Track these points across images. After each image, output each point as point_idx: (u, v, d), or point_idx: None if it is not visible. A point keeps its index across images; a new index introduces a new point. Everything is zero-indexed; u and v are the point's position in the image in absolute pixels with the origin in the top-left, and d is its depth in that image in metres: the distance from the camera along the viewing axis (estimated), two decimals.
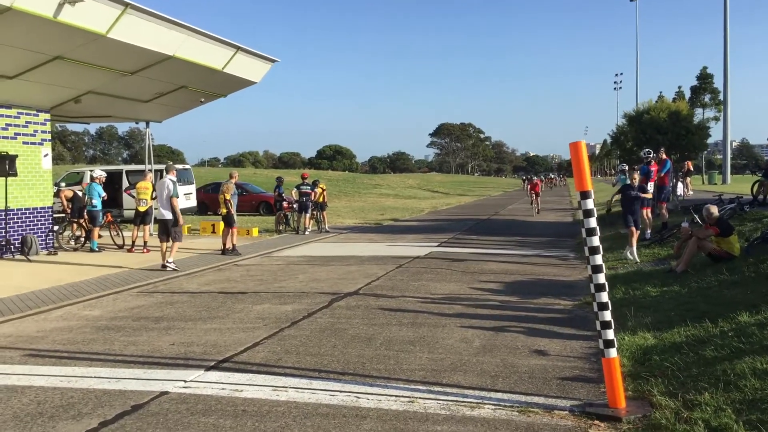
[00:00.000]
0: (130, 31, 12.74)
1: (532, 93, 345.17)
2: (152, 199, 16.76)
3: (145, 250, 15.89)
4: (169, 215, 13.03)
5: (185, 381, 5.83)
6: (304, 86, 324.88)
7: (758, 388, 4.85)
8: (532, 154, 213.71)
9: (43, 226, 15.86)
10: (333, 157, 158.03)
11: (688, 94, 60.67)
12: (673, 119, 26.06)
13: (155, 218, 16.53)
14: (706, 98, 60.59)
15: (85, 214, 16.76)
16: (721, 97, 51.87)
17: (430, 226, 23.93)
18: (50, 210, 16.14)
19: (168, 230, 13.13)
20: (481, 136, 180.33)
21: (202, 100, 18.70)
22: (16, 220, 15.15)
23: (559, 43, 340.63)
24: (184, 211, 25.16)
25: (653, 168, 16.24)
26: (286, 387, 5.62)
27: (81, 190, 18.20)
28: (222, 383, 5.76)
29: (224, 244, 15.59)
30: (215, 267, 13.51)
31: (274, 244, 17.68)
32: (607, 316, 5.01)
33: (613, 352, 4.98)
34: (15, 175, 14.40)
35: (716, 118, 55.91)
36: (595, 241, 5.00)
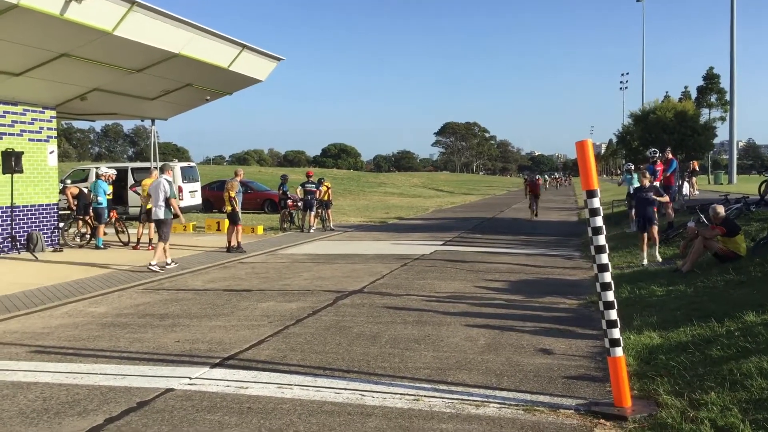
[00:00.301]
0: (136, 28, 12.76)
1: (537, 92, 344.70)
2: None
3: (150, 247, 15.91)
4: (161, 215, 12.77)
5: (190, 378, 5.84)
6: (309, 84, 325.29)
7: (765, 387, 4.83)
8: (537, 153, 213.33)
9: (48, 223, 15.91)
10: (338, 156, 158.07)
11: (694, 94, 60.52)
12: (680, 119, 26.00)
13: (138, 218, 16.64)
14: (713, 98, 60.40)
15: (91, 211, 16.81)
16: (727, 97, 51.72)
17: (435, 225, 23.91)
18: (56, 207, 16.19)
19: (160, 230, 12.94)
20: (486, 135, 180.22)
21: (208, 98, 18.71)
22: (21, 217, 15.20)
23: (564, 42, 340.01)
24: (190, 209, 25.32)
25: (659, 167, 16.21)
26: (291, 384, 5.63)
27: (87, 187, 18.25)
28: (227, 380, 5.77)
29: (229, 242, 15.61)
30: (220, 264, 13.53)
31: (278, 242, 17.70)
32: (613, 315, 5.00)
33: (618, 351, 4.97)
34: (21, 171, 14.44)
35: (722, 118, 55.76)
36: (602, 239, 4.99)
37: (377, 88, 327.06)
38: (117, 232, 17.53)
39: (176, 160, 27.90)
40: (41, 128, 15.75)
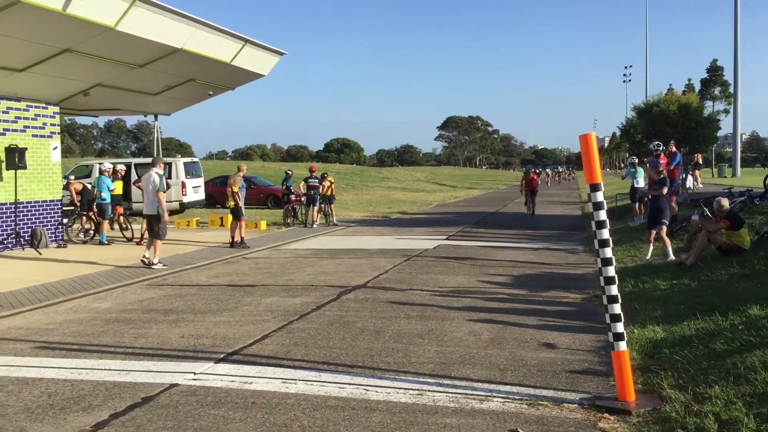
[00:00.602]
0: (138, 23, 12.75)
1: (540, 86, 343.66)
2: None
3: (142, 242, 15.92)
4: (154, 210, 12.41)
5: (195, 373, 5.86)
6: (311, 79, 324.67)
7: None
8: (540, 147, 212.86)
9: (52, 219, 15.95)
10: (341, 150, 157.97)
11: (698, 87, 60.27)
12: (683, 112, 25.91)
13: (141, 213, 16.60)
14: (716, 91, 60.16)
15: (94, 206, 16.84)
16: (731, 89, 51.51)
17: (438, 219, 23.91)
18: (59, 203, 16.22)
19: (152, 226, 12.57)
20: (489, 129, 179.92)
21: (210, 93, 18.72)
22: (25, 213, 15.24)
23: (567, 35, 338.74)
24: (193, 204, 25.35)
25: (663, 161, 16.16)
26: (295, 379, 5.64)
27: (90, 183, 18.28)
28: (231, 375, 5.79)
29: (232, 237, 15.63)
30: (224, 260, 13.55)
31: (282, 237, 17.72)
32: (617, 309, 5.00)
33: (622, 345, 4.97)
34: (24, 168, 14.47)
35: (726, 111, 55.57)
36: (605, 233, 4.98)
37: (380, 82, 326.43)
38: (121, 228, 17.56)
39: (179, 156, 27.87)
40: (44, 124, 15.77)
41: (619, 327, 4.99)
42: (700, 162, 28.68)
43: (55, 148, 16.03)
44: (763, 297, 7.15)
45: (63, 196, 16.64)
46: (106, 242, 16.25)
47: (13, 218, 14.80)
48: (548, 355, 6.28)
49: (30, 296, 9.71)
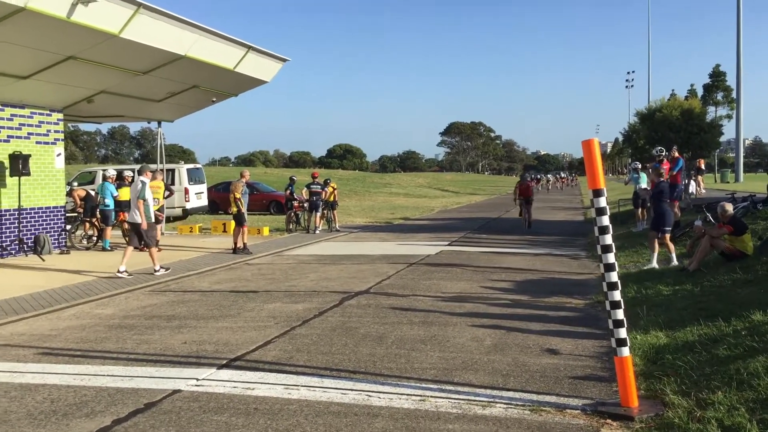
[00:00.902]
0: (142, 31, 12.81)
1: (542, 91, 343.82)
2: (164, 198, 16.86)
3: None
4: (139, 218, 12.14)
5: (197, 379, 5.86)
6: (314, 85, 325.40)
7: None
8: (543, 153, 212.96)
9: (56, 226, 15.98)
10: (343, 156, 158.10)
11: (700, 92, 60.19)
12: (686, 117, 25.89)
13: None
14: (719, 96, 60.09)
15: (98, 213, 16.87)
16: (734, 95, 51.48)
17: (441, 225, 23.90)
18: (63, 209, 16.26)
19: (140, 234, 12.32)
20: (492, 134, 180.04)
21: (214, 99, 18.77)
22: (29, 219, 15.27)
23: (569, 40, 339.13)
24: (196, 210, 25.40)
25: (665, 166, 16.13)
26: (298, 385, 5.64)
27: (94, 190, 18.33)
28: (234, 381, 5.78)
29: (235, 243, 15.64)
30: (226, 266, 13.56)
31: (284, 243, 17.73)
32: (620, 314, 4.99)
33: (625, 351, 4.96)
34: (28, 174, 14.51)
35: (729, 116, 55.47)
36: (608, 239, 4.98)
37: (382, 88, 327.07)
38: (124, 235, 17.59)
39: (182, 162, 27.94)
40: (48, 131, 15.82)
41: (622, 332, 4.98)
42: (703, 167, 28.65)
43: (58, 155, 16.08)
44: (767, 302, 7.13)
45: (66, 202, 16.68)
46: (109, 248, 16.28)
47: (16, 225, 14.83)
48: (551, 361, 6.27)
49: (33, 302, 9.72)
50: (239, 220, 15.72)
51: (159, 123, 20.24)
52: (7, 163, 14.44)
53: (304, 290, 10.47)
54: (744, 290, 8.26)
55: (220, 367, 6.25)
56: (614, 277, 4.97)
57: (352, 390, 5.49)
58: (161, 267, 12.50)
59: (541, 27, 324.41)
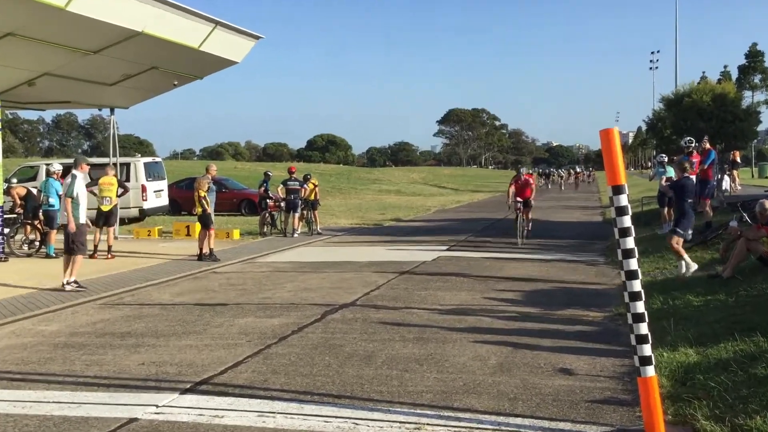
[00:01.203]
0: (93, 3, 12.72)
1: (554, 74, 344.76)
2: (117, 196, 16.79)
3: (109, 256, 15.90)
4: (63, 219, 11.76)
5: (157, 406, 5.84)
6: (293, 67, 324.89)
7: None
8: (554, 144, 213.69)
9: None
10: (326, 149, 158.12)
11: (735, 75, 60.61)
12: (718, 103, 26.09)
13: (108, 221, 16.52)
14: (756, 79, 60.56)
15: (41, 214, 16.76)
16: None
17: (438, 227, 23.95)
18: (0, 210, 16.15)
19: (67, 237, 11.71)
20: (497, 123, 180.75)
21: (176, 83, 18.71)
22: None
23: (585, 16, 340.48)
24: (155, 211, 25.28)
25: (695, 159, 16.23)
26: (274, 412, 5.63)
27: (36, 187, 18.21)
28: (200, 408, 5.77)
29: (200, 249, 15.61)
30: (190, 275, 13.52)
31: (258, 249, 17.71)
32: (644, 329, 5.01)
33: (650, 371, 4.98)
34: None
35: None
36: (630, 242, 5.00)
37: (370, 71, 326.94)
38: None
39: (139, 155, 27.82)
40: None
41: (646, 349, 5.00)
42: (738, 160, 28.82)
43: None
44: None
45: (4, 202, 16.57)
46: (54, 255, 16.16)
47: None
48: (565, 383, 6.29)
49: None
50: (205, 222, 15.68)
51: (112, 110, 20.13)
52: None
53: (281, 303, 10.45)
54: None
55: (184, 391, 6.23)
56: (637, 285, 4.98)
57: (336, 417, 5.49)
58: (75, 282, 11.74)
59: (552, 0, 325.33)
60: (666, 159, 19.87)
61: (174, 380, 6.57)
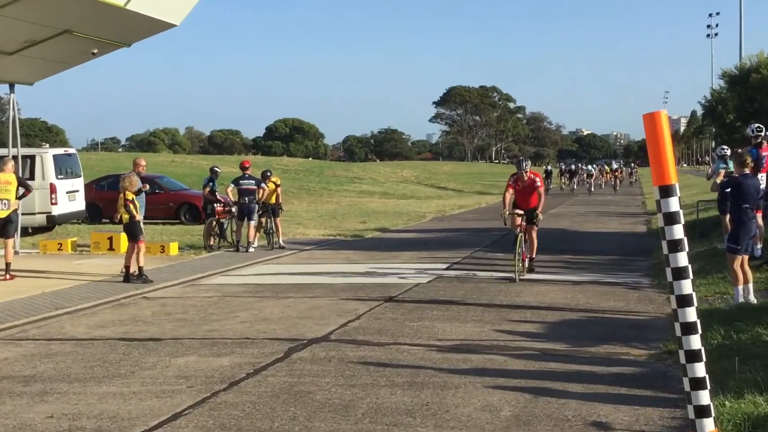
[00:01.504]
0: None
1: (583, 43, 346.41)
2: (17, 198, 16.67)
3: (7, 277, 15.78)
4: None
5: None
6: (247, 32, 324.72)
7: None
8: (585, 133, 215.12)
9: None
10: (290, 137, 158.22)
11: None
12: None
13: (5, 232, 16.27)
14: None
15: None
16: None
17: (436, 240, 23.96)
18: None
19: None
20: (511, 105, 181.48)
21: (95, 51, 18.65)
22: None
23: None
24: (68, 217, 25.14)
25: (765, 152, 16.33)
26: None
27: None
28: None
29: (127, 267, 15.52)
30: (114, 301, 13.46)
31: (202, 267, 17.65)
32: (700, 370, 5.03)
33: (708, 424, 5.00)
34: None
35: None
36: (682, 259, 5.02)
37: (347, 37, 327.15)
38: None
39: (46, 145, 27.72)
40: None
41: (704, 397, 5.02)
42: None
43: None
44: None
45: None
46: None
47: None
48: None
49: None
50: (133, 233, 15.60)
51: (11, 86, 20.02)
52: None
53: (232, 337, 10.43)
54: None
55: None
56: (692, 315, 5.01)
57: None
58: None
59: None
60: (728, 152, 19.95)
61: None
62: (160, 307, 12.95)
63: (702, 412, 5.02)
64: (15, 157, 19.10)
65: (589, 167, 74.52)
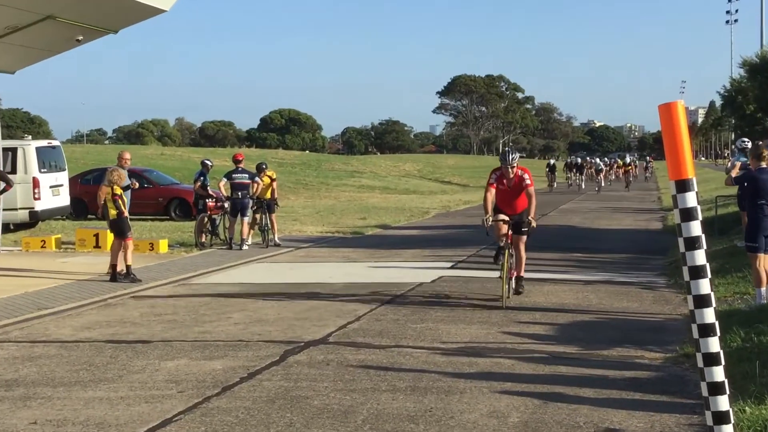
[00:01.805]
0: None
1: (596, 31, 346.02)
2: None
3: None
4: None
5: None
6: (240, 18, 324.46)
7: None
8: (597, 125, 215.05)
9: None
10: (286, 129, 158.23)
11: None
12: None
13: None
14: None
15: None
16: None
17: (440, 237, 23.96)
18: None
19: None
20: (519, 95, 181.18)
21: (80, 38, 18.63)
22: None
23: None
24: (52, 212, 25.14)
25: None
26: None
27: None
28: None
29: (114, 266, 15.52)
30: (100, 302, 13.46)
31: (193, 266, 17.65)
32: (719, 374, 5.04)
33: (727, 431, 5.01)
34: None
35: None
36: (700, 257, 5.02)
37: (347, 24, 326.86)
38: None
39: (29, 137, 27.70)
40: None
41: (723, 403, 5.03)
42: None
43: None
44: None
45: None
46: None
47: None
48: None
49: None
50: (120, 230, 15.60)
51: None
52: None
53: (225, 339, 10.43)
54: None
55: None
56: (710, 316, 5.01)
57: None
58: None
59: None
60: (749, 144, 19.95)
61: None
62: (149, 307, 12.95)
63: (721, 418, 5.03)
64: None
65: (598, 161, 68.58)
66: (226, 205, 21.28)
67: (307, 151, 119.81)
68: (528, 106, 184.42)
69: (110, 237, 16.34)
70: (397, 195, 51.13)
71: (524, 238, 13.44)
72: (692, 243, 5.05)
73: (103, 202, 15.80)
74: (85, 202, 28.78)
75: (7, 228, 22.02)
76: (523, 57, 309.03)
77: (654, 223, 28.24)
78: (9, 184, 17.33)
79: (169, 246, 20.54)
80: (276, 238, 21.59)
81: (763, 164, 11.74)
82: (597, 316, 11.77)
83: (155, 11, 17.95)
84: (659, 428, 6.77)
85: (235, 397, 7.82)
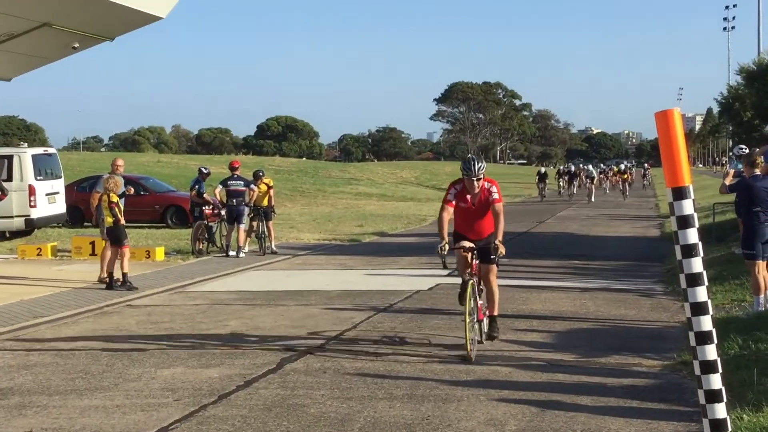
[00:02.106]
0: None
1: (593, 37, 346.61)
2: None
3: None
4: None
5: None
6: (237, 25, 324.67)
7: None
8: (595, 132, 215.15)
9: None
10: (283, 136, 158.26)
11: None
12: None
13: None
14: None
15: None
16: None
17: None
18: None
19: None
20: (516, 102, 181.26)
21: (76, 45, 18.64)
22: None
23: None
24: (48, 220, 25.12)
25: None
26: None
27: None
28: None
29: (110, 274, 15.52)
30: (97, 309, 13.45)
31: (189, 273, 17.65)
32: (716, 382, 5.04)
33: None
34: None
35: None
36: (697, 265, 5.03)
37: (344, 30, 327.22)
38: None
39: (25, 144, 27.72)
40: None
41: (720, 410, 5.03)
42: None
43: None
44: None
45: None
46: None
47: None
48: None
49: None
50: (117, 237, 15.60)
51: None
52: None
53: (222, 347, 10.43)
54: None
55: None
56: (707, 323, 5.01)
57: None
58: None
59: None
60: (747, 151, 19.99)
61: None
62: (145, 315, 12.95)
63: (718, 426, 5.03)
64: None
65: (590, 168, 63.89)
66: (223, 212, 21.29)
67: (304, 159, 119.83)
68: (525, 113, 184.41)
69: (101, 244, 16.30)
70: (394, 202, 51.12)
71: (494, 268, 10.84)
72: (689, 250, 5.05)
73: (95, 209, 15.79)
74: (81, 209, 28.72)
75: (3, 236, 22.04)
76: (520, 64, 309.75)
77: (652, 230, 28.25)
78: (4, 193, 17.33)
79: (165, 254, 20.54)
80: (273, 246, 21.60)
81: (757, 171, 11.81)
82: (595, 324, 11.78)
83: (151, 18, 17.96)
84: None
85: (231, 405, 7.82)
